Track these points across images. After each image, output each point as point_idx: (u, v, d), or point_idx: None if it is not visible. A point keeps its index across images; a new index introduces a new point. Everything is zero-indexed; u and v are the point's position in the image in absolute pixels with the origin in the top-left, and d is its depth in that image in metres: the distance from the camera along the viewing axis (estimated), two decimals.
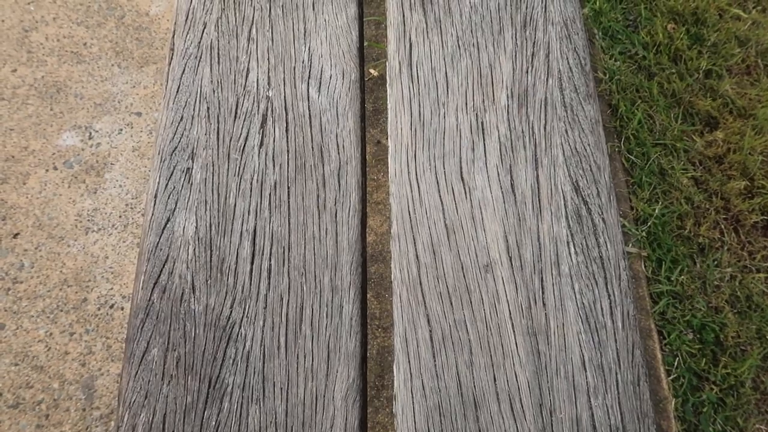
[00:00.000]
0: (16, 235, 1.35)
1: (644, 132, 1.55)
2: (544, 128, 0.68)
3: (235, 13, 0.76)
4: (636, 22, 1.82)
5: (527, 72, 0.72)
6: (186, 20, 0.77)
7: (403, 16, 0.76)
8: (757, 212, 1.46)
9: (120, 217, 1.38)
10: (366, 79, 1.51)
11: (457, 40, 0.74)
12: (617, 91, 1.62)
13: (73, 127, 1.49)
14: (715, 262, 1.40)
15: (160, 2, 1.71)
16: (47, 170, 1.43)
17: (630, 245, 1.40)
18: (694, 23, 1.82)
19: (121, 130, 1.49)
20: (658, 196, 1.47)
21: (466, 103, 0.70)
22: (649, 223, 1.42)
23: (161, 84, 1.57)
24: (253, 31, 0.75)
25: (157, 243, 0.62)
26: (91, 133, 1.48)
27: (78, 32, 1.63)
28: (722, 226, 1.44)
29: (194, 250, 0.61)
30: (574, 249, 0.62)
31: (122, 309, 1.28)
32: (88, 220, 1.37)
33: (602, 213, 0.63)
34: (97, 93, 1.54)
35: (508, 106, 0.70)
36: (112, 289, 1.30)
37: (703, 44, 1.76)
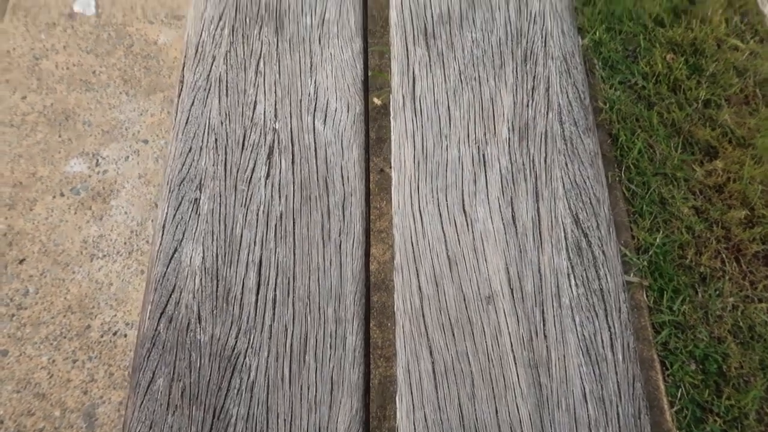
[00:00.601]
0: (21, 261, 1.36)
1: (644, 161, 1.57)
2: (545, 161, 0.70)
3: (243, 47, 0.78)
4: (635, 52, 1.85)
5: (528, 105, 0.74)
6: (195, 53, 0.79)
7: (407, 50, 0.78)
8: (758, 242, 1.47)
9: (125, 243, 1.39)
10: (370, 108, 1.53)
11: (460, 74, 0.76)
12: (617, 121, 1.64)
13: (81, 153, 1.51)
14: (717, 292, 1.40)
15: (168, 32, 1.74)
16: (54, 196, 1.44)
17: (631, 275, 1.41)
18: (693, 53, 1.85)
19: (128, 157, 1.51)
20: (659, 226, 1.48)
21: (468, 136, 0.71)
22: (650, 253, 1.43)
23: (168, 112, 1.59)
24: (261, 64, 0.77)
25: (165, 273, 0.63)
26: (98, 160, 1.50)
27: (87, 60, 1.67)
28: (723, 256, 1.45)
29: (201, 280, 0.62)
30: (575, 281, 0.62)
31: (125, 336, 1.28)
32: (94, 247, 1.38)
33: (602, 245, 0.64)
34: (105, 120, 1.56)
35: (509, 139, 0.71)
36: (115, 316, 1.31)
37: (701, 74, 1.79)
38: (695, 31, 1.87)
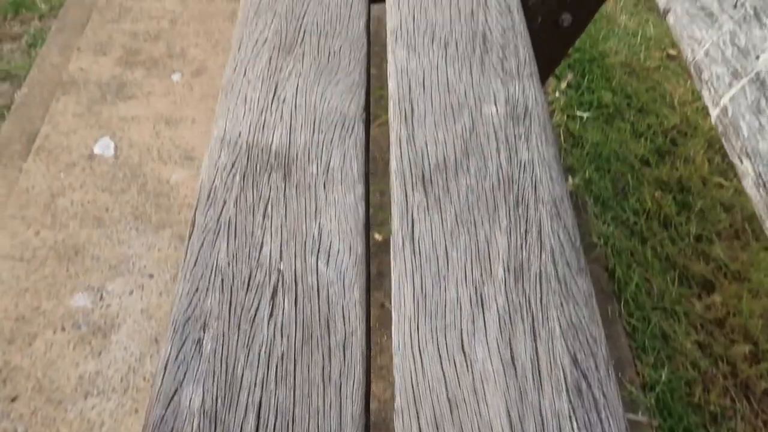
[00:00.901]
0: (14, 399, 1.33)
1: (642, 295, 1.58)
2: (541, 301, 0.72)
3: (253, 192, 0.84)
4: (625, 190, 1.94)
5: (522, 247, 0.77)
6: (208, 198, 0.84)
7: (406, 195, 0.84)
8: (766, 378, 1.44)
9: (121, 380, 1.36)
10: (371, 243, 1.58)
11: (456, 218, 0.80)
12: (613, 255, 1.68)
13: (86, 288, 1.53)
14: None
15: (181, 171, 1.84)
16: (55, 331, 1.44)
17: (639, 413, 1.36)
18: (680, 191, 1.93)
19: (132, 291, 1.53)
20: (663, 361, 1.46)
21: (466, 277, 0.74)
22: (657, 390, 1.40)
23: (176, 247, 1.64)
24: (269, 208, 0.82)
25: (163, 416, 0.62)
26: (102, 295, 1.52)
27: (102, 198, 1.75)
28: (732, 393, 1.42)
29: (199, 423, 0.62)
30: (577, 424, 0.62)
31: None
32: (89, 384, 1.36)
33: (602, 387, 0.64)
34: (113, 255, 1.60)
35: (505, 279, 0.74)
36: None
37: (690, 210, 1.86)
38: (680, 170, 1.98)
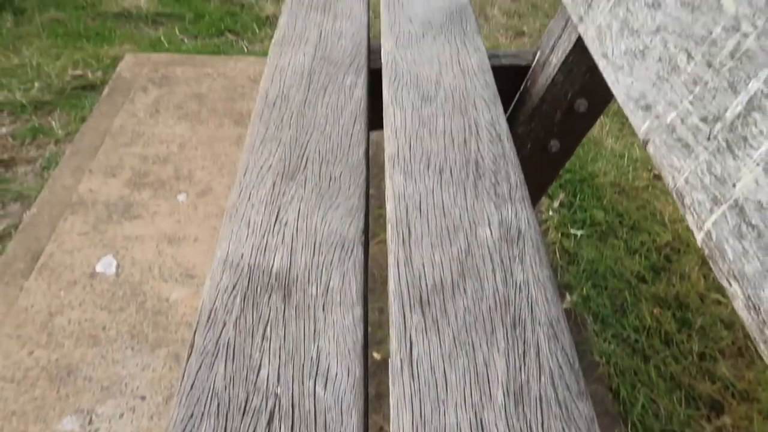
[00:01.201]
0: None
1: (650, 417, 1.53)
2: (542, 426, 0.70)
3: (253, 314, 0.85)
4: (623, 307, 1.95)
5: (520, 369, 0.77)
6: (208, 319, 0.85)
7: (404, 317, 0.84)
8: None
9: None
10: (369, 362, 1.55)
11: (454, 339, 0.81)
12: (616, 375, 1.65)
13: (76, 411, 1.48)
14: None
15: (180, 289, 1.86)
16: None
17: None
18: (678, 308, 1.94)
19: (123, 414, 1.48)
20: None
21: (465, 401, 0.73)
22: None
23: (170, 367, 1.61)
24: (268, 329, 0.83)
25: None
26: (91, 418, 1.47)
27: (100, 316, 1.74)
28: None
29: None
30: None
31: None
32: None
33: None
34: (106, 376, 1.57)
35: (505, 404, 0.73)
36: None
37: (691, 328, 1.85)
38: (677, 287, 1.99)
